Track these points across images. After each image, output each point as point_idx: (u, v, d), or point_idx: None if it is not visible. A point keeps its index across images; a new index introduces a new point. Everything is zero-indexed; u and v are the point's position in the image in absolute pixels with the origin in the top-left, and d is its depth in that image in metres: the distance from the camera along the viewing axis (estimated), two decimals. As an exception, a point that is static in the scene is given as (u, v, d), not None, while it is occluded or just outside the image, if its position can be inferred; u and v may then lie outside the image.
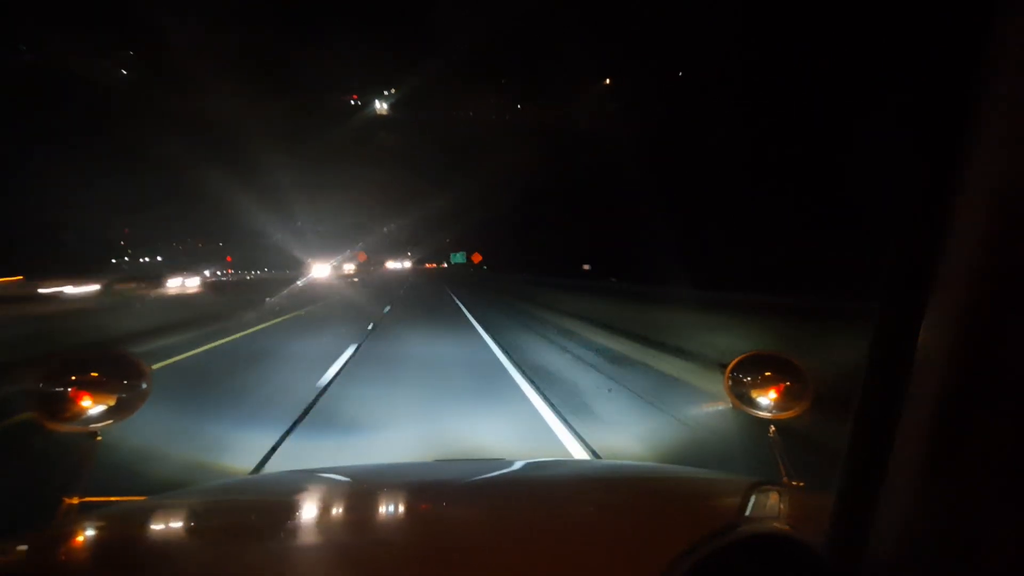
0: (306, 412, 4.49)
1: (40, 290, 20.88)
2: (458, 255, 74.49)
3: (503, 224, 44.74)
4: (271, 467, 3.24)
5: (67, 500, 1.03)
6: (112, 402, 1.07)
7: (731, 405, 1.24)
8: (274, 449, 3.56)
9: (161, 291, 24.00)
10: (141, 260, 55.79)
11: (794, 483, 1.12)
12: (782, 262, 12.62)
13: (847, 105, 12.03)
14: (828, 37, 13.13)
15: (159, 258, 60.11)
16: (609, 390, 5.31)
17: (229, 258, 73.39)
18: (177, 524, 1.03)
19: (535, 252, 35.32)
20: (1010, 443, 0.38)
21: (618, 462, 2.91)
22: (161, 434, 3.54)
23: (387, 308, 16.17)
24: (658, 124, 20.79)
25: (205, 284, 30.45)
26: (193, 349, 8.32)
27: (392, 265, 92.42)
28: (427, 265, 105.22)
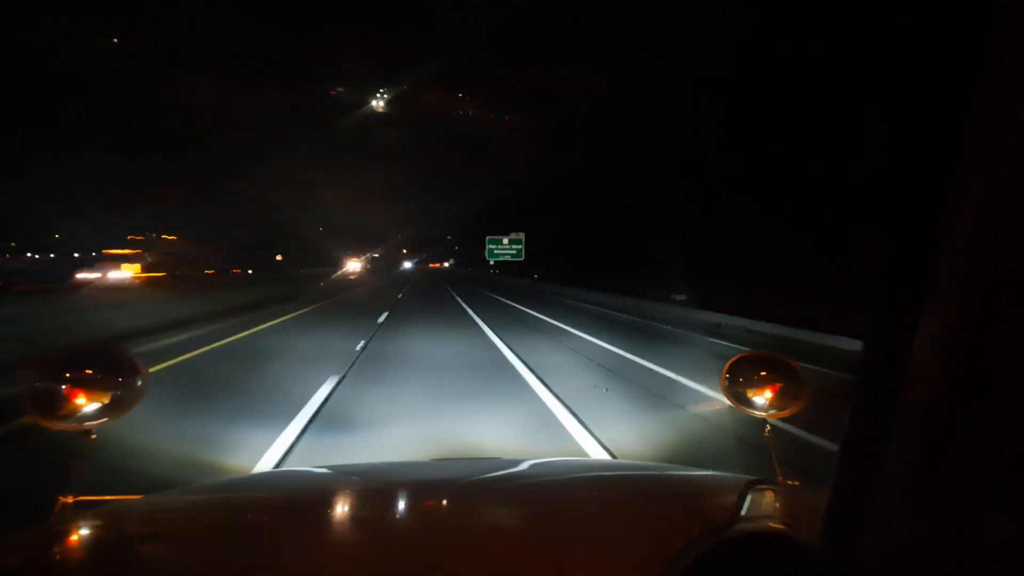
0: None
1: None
2: (502, 244, 32.17)
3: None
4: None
5: (62, 499, 1.02)
6: (107, 400, 1.06)
7: (728, 404, 1.25)
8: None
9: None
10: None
11: (789, 482, 1.12)
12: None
13: (842, 106, 12.04)
14: (824, 37, 13.15)
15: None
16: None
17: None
18: (173, 523, 1.03)
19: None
20: (1005, 442, 0.38)
21: (615, 461, 2.93)
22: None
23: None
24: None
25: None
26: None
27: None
28: (431, 264, 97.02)
